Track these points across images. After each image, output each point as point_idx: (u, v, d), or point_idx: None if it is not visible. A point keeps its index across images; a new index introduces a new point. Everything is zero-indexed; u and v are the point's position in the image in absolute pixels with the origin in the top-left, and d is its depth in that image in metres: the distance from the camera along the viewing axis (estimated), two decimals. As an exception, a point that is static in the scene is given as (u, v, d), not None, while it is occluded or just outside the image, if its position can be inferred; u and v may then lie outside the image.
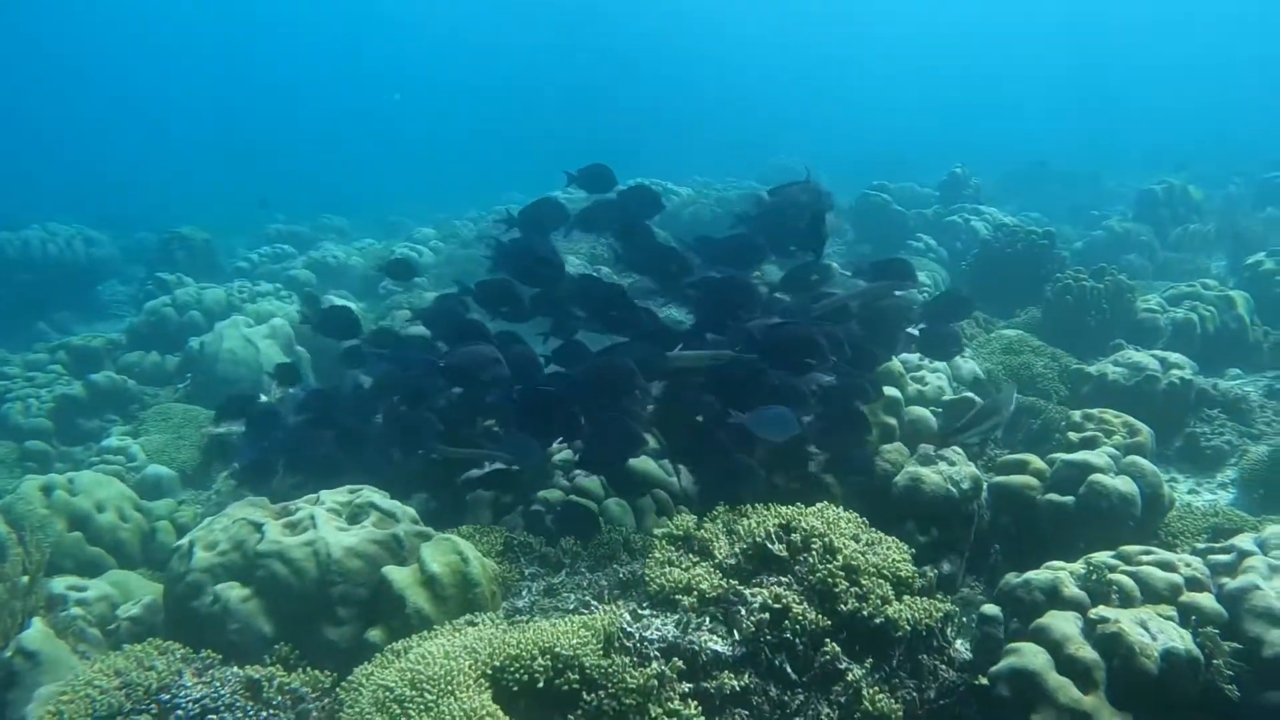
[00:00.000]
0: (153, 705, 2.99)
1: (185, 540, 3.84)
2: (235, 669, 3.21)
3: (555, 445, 4.85)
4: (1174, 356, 6.74)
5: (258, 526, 3.76)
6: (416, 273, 6.77)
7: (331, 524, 3.79)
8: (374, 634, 3.50)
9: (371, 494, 4.08)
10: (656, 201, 5.40)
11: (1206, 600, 3.09)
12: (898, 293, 5.22)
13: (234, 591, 3.58)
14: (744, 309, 4.60)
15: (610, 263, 9.08)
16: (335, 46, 56.02)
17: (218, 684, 3.09)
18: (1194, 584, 3.19)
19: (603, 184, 5.49)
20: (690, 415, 4.60)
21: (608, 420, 4.23)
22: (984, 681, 3.04)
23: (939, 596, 3.55)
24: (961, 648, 3.47)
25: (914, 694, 3.11)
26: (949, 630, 3.33)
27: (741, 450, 4.33)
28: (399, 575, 3.59)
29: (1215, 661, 2.88)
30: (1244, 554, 3.30)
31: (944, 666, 3.22)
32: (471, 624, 3.39)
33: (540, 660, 2.90)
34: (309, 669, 3.32)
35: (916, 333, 5.40)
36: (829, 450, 4.76)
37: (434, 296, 5.75)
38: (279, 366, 6.26)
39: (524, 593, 3.89)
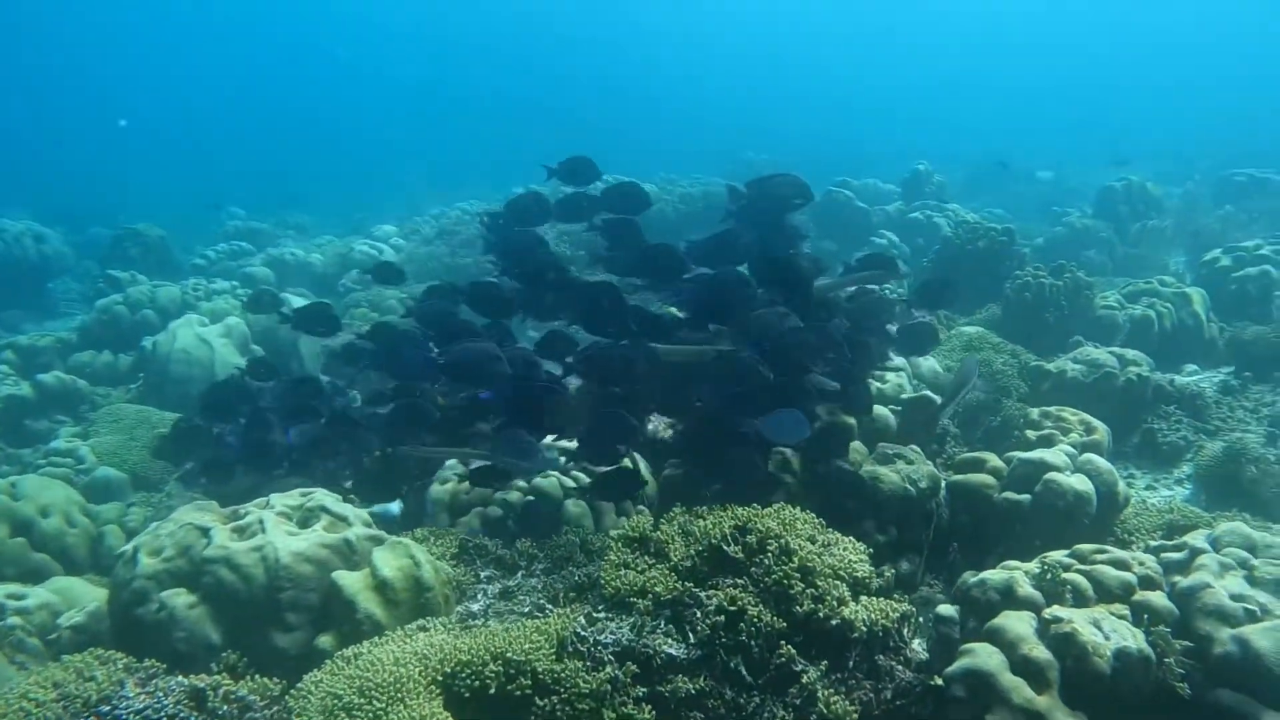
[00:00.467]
0: (91, 718, 2.91)
1: (130, 546, 3.74)
2: (180, 678, 3.13)
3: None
4: (1131, 353, 6.81)
5: (205, 531, 3.67)
6: (404, 278, 6.65)
7: (281, 528, 3.72)
8: (324, 640, 3.44)
9: (323, 497, 4.01)
10: (643, 198, 5.30)
11: (1159, 599, 3.10)
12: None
13: (180, 599, 3.50)
14: (740, 304, 4.53)
15: (576, 261, 9.03)
16: (317, 45, 55.24)
17: (161, 694, 3.01)
18: (1147, 583, 3.21)
19: (584, 177, 5.38)
20: (678, 410, 4.54)
21: (605, 413, 4.17)
22: (939, 682, 3.04)
23: (896, 596, 3.55)
24: (919, 648, 3.47)
25: (870, 695, 3.09)
26: (906, 631, 3.32)
27: (746, 448, 4.27)
28: (349, 580, 3.53)
29: (1167, 660, 2.89)
30: (1196, 552, 3.32)
31: (900, 667, 3.21)
32: (423, 629, 3.33)
33: (492, 666, 2.86)
34: (257, 677, 3.24)
35: (894, 330, 5.40)
36: (808, 457, 4.71)
37: (419, 292, 5.61)
38: (253, 362, 6.10)
39: (479, 596, 3.83)
